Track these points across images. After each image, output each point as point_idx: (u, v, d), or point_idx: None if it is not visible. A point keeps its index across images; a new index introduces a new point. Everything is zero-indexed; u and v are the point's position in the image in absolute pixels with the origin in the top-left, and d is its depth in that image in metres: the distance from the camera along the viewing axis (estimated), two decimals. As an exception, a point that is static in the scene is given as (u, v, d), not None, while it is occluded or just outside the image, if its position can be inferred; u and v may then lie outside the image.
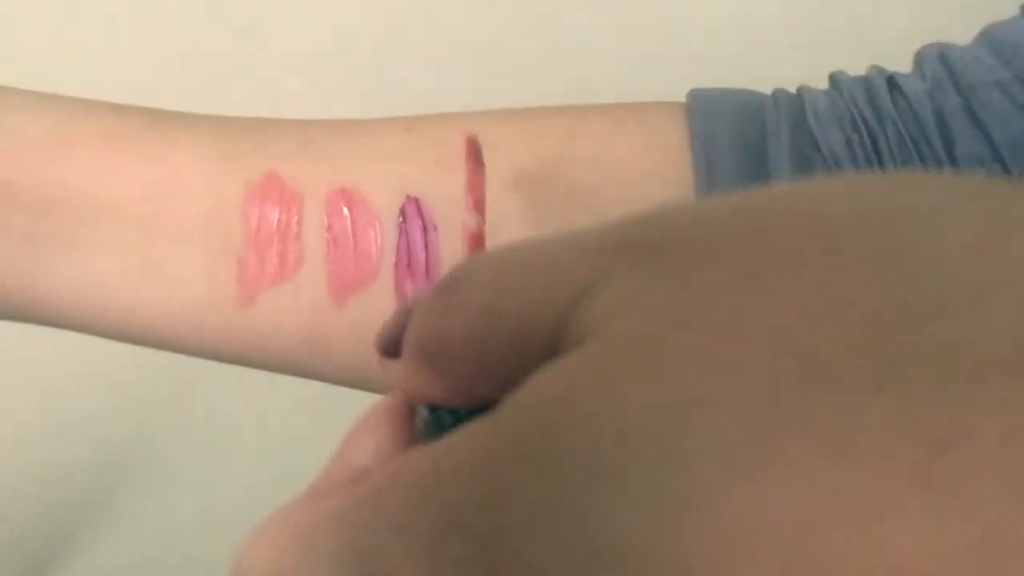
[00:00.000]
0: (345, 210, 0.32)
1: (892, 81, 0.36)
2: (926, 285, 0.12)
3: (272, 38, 0.73)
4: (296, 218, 0.32)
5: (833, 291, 0.12)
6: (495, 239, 0.33)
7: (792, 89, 0.38)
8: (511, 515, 0.13)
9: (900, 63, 0.38)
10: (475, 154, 0.26)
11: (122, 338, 0.34)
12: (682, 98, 0.37)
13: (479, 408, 0.15)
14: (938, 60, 0.36)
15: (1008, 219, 0.13)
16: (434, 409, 0.18)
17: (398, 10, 0.73)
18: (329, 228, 0.32)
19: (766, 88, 0.38)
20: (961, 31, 0.38)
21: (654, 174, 0.34)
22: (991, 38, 0.36)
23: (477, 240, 0.25)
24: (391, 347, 0.19)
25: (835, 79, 0.38)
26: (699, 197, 0.14)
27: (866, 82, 0.37)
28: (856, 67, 0.38)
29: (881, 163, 0.34)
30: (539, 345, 0.14)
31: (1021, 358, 0.11)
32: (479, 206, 0.25)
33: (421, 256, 0.32)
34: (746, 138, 0.35)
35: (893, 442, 0.10)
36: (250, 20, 0.72)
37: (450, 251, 0.33)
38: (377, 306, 0.33)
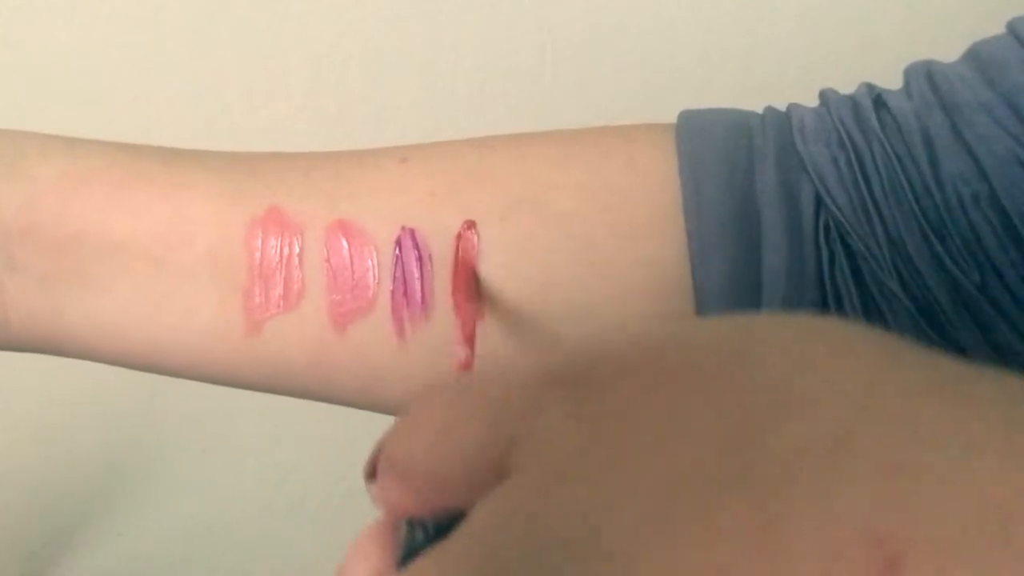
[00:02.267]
0: (344, 242, 0.34)
1: (879, 100, 0.37)
2: (761, 406, 0.15)
3: (273, 38, 0.73)
4: (298, 250, 0.34)
5: (695, 415, 0.15)
6: (487, 265, 0.34)
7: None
8: None
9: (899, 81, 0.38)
10: (468, 291, 0.29)
11: (135, 367, 0.35)
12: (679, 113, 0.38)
13: (451, 520, 0.18)
14: (924, 79, 0.36)
15: (823, 352, 0.16)
16: (411, 524, 0.20)
17: (399, 12, 0.73)
18: (329, 259, 0.34)
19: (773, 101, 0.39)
20: (960, 42, 0.38)
21: (639, 198, 0.35)
22: (977, 57, 0.36)
23: (467, 371, 0.28)
24: (373, 470, 0.21)
25: (824, 96, 0.38)
26: (615, 332, 0.18)
27: (853, 100, 0.37)
28: (857, 81, 0.39)
29: (867, 181, 0.35)
30: (487, 466, 0.18)
31: (829, 458, 0.14)
32: (469, 341, 0.28)
33: (417, 285, 0.33)
34: (733, 159, 0.36)
35: (746, 531, 0.14)
36: (250, 20, 0.73)
37: (444, 279, 0.34)
38: (377, 333, 0.34)
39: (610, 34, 0.74)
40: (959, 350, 0.34)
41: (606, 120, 0.75)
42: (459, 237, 0.33)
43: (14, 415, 0.75)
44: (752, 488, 0.14)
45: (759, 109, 0.39)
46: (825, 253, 0.35)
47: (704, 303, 0.35)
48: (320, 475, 0.76)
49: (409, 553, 0.20)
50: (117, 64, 0.73)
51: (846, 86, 0.39)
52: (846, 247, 0.35)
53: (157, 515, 0.76)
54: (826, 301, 0.35)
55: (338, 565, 0.22)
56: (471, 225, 0.33)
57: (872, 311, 0.35)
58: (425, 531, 0.20)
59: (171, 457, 0.78)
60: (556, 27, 0.74)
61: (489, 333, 0.34)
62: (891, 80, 0.38)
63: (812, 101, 0.39)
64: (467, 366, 0.28)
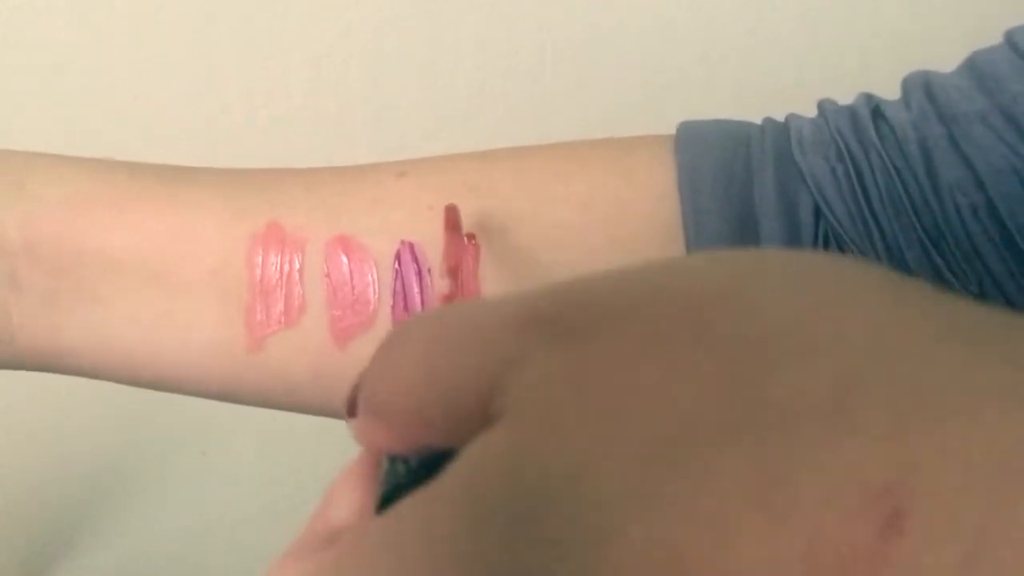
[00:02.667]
0: (344, 257, 0.34)
1: (877, 110, 0.37)
2: (761, 353, 0.14)
3: (273, 37, 0.73)
4: (298, 266, 0.34)
5: (692, 362, 0.15)
6: (489, 280, 0.34)
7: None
8: (451, 571, 0.15)
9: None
10: (452, 224, 0.28)
11: (137, 384, 0.36)
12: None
13: (433, 456, 0.18)
14: (922, 89, 0.36)
15: (825, 295, 0.15)
16: (393, 460, 0.20)
17: (399, 13, 0.73)
18: (329, 275, 0.34)
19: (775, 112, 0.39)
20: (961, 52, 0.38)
21: (638, 209, 0.35)
22: (975, 67, 0.36)
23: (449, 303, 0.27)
24: (354, 406, 0.20)
25: (822, 107, 0.38)
26: (603, 272, 0.17)
27: (851, 111, 0.37)
28: (856, 83, 0.39)
29: (865, 192, 0.35)
30: (470, 407, 0.17)
31: (831, 407, 0.13)
32: (452, 272, 0.27)
33: (417, 299, 0.34)
34: (731, 170, 0.36)
35: (743, 480, 0.13)
36: (250, 20, 0.73)
37: (444, 292, 0.34)
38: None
39: (610, 34, 0.74)
40: None
41: (606, 120, 0.75)
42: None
43: (14, 415, 0.75)
44: (750, 437, 0.13)
45: (758, 110, 0.39)
46: None
47: None
48: (320, 476, 0.76)
49: (392, 489, 0.20)
50: (117, 64, 0.73)
51: (845, 87, 0.39)
52: None
53: (157, 515, 0.76)
54: None
55: (319, 500, 0.21)
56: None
57: None
58: (407, 467, 0.19)
59: (171, 457, 0.78)
60: (556, 27, 0.74)
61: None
62: (890, 84, 0.38)
63: (810, 101, 0.39)
64: (450, 299, 0.27)
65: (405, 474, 0.19)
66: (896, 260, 0.34)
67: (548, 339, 0.16)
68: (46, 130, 0.72)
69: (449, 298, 0.28)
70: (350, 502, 0.21)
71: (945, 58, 0.38)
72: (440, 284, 0.28)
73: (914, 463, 0.13)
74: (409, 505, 0.17)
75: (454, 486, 0.16)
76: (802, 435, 0.13)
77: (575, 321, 0.16)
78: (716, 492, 0.13)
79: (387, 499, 0.19)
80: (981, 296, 0.34)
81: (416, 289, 0.34)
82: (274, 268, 0.34)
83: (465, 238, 0.32)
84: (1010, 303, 0.34)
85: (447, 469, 0.16)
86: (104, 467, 0.78)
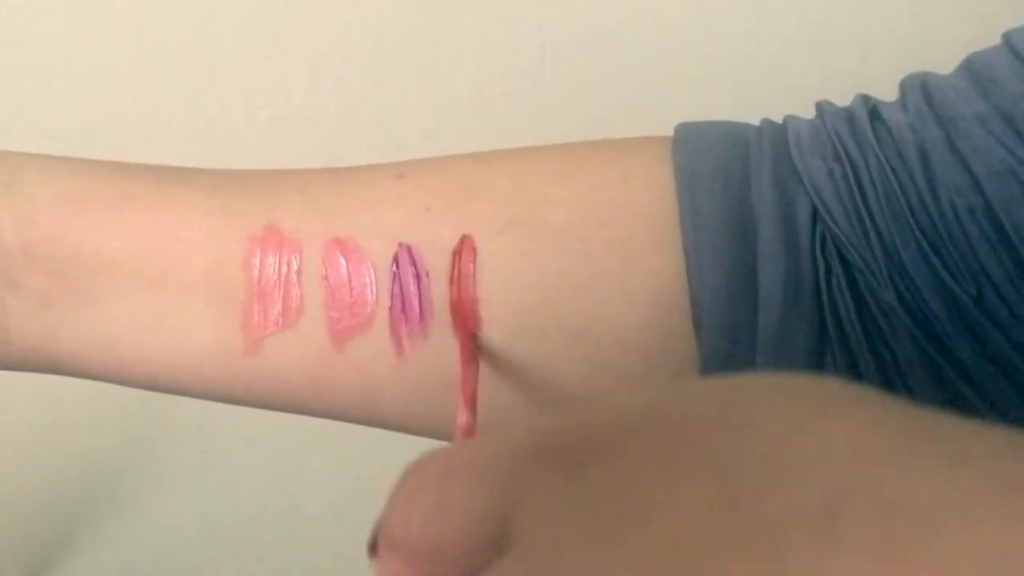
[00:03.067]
0: (341, 259, 0.34)
1: (875, 112, 0.36)
2: (755, 472, 0.15)
3: (273, 37, 0.73)
4: (295, 268, 0.34)
5: (686, 485, 0.16)
6: (486, 282, 0.34)
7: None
8: None
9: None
10: (469, 354, 0.29)
11: (135, 386, 0.36)
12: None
13: None
14: (920, 91, 0.36)
15: (812, 414, 0.16)
16: None
17: (399, 12, 0.73)
18: (327, 277, 0.34)
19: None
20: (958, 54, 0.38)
21: (635, 211, 0.35)
22: (972, 69, 0.36)
23: (468, 433, 0.28)
24: (375, 546, 0.21)
25: (820, 108, 0.38)
26: (605, 401, 0.19)
27: (849, 113, 0.37)
28: (855, 82, 0.39)
29: (863, 194, 0.35)
30: (483, 541, 0.18)
31: (822, 524, 0.14)
32: (470, 404, 0.28)
33: (415, 301, 0.34)
34: (729, 172, 0.36)
35: None
36: (250, 19, 0.73)
37: (441, 294, 0.34)
38: (375, 349, 0.34)
39: (610, 34, 0.74)
40: (956, 363, 0.34)
41: (606, 120, 0.75)
42: (454, 282, 0.34)
43: (14, 415, 0.75)
44: (746, 557, 0.14)
45: (758, 111, 0.39)
46: (822, 266, 0.35)
47: (701, 317, 0.35)
48: (321, 476, 0.77)
49: None
50: (117, 64, 0.73)
51: (844, 88, 0.39)
52: (843, 260, 0.35)
53: (157, 515, 0.76)
54: (823, 314, 0.35)
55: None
56: (470, 253, 0.33)
57: (869, 324, 0.35)
58: None
59: (171, 457, 0.78)
60: (556, 27, 0.74)
61: (487, 340, 0.34)
62: (889, 85, 0.38)
63: (810, 102, 0.39)
64: (468, 430, 0.28)
65: None
66: (893, 262, 0.34)
67: (552, 472, 0.17)
68: (46, 130, 0.72)
69: (467, 429, 0.29)
70: None
71: (944, 59, 0.38)
72: (459, 416, 0.29)
73: None
74: None
75: None
76: (797, 551, 0.14)
77: (577, 453, 0.17)
78: None
79: None
80: (979, 299, 0.34)
81: (414, 291, 0.34)
82: (271, 270, 0.34)
83: (479, 367, 0.33)
84: (1008, 306, 0.34)
85: None
86: (104, 467, 0.78)
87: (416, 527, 0.19)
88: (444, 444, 0.21)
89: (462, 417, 0.29)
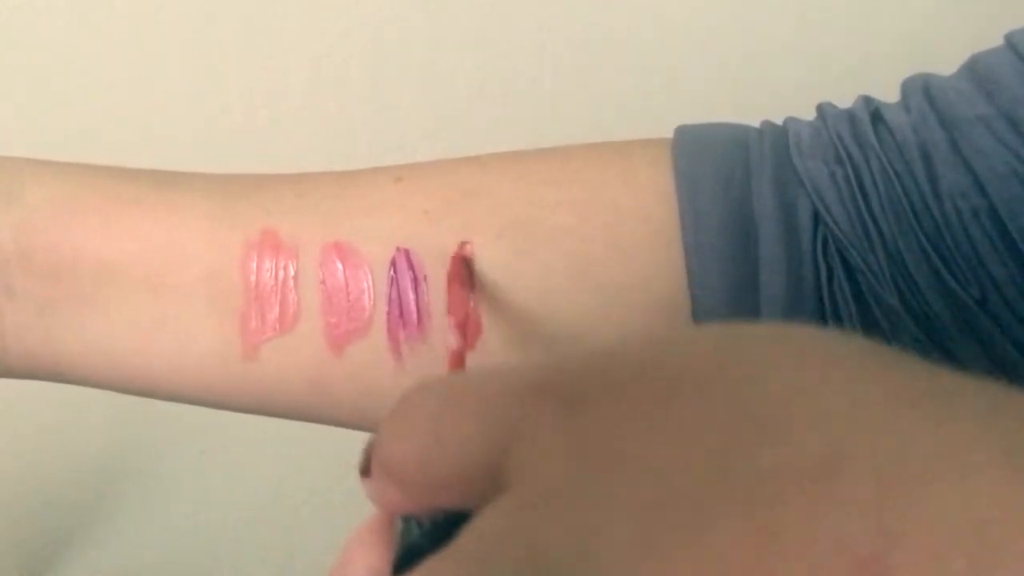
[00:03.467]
0: (338, 263, 0.34)
1: (877, 114, 0.36)
2: (753, 425, 0.15)
3: (273, 37, 0.73)
4: (293, 273, 0.34)
5: (685, 433, 0.16)
6: (488, 287, 0.34)
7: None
8: None
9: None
10: (459, 276, 0.28)
11: (132, 392, 0.35)
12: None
13: (448, 516, 0.19)
14: (922, 93, 0.36)
15: (812, 367, 0.16)
16: (407, 519, 0.20)
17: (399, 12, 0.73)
18: (324, 281, 0.34)
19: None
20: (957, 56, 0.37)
21: (635, 214, 0.35)
22: (975, 70, 0.36)
23: (457, 358, 0.27)
24: (367, 467, 0.21)
25: (822, 111, 0.38)
26: (606, 344, 0.19)
27: (850, 115, 0.37)
28: (857, 84, 0.38)
29: (865, 196, 0.35)
30: (479, 475, 0.18)
31: (819, 478, 0.14)
32: (460, 326, 0.27)
33: (412, 306, 0.33)
34: (730, 174, 0.35)
35: (738, 544, 0.14)
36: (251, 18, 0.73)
37: (439, 299, 0.34)
38: (373, 354, 0.34)
39: (610, 35, 0.74)
40: (959, 365, 0.34)
41: (606, 120, 0.75)
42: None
43: (14, 415, 0.75)
44: (743, 508, 0.14)
45: (758, 112, 0.39)
46: (823, 269, 0.35)
47: (702, 319, 0.35)
48: (320, 476, 0.77)
49: (406, 550, 0.20)
50: (117, 64, 0.73)
51: (846, 90, 0.39)
52: (844, 263, 0.35)
53: (157, 515, 0.76)
54: (825, 317, 0.35)
55: (336, 559, 0.22)
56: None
57: (871, 327, 0.35)
58: (421, 528, 0.20)
59: (171, 457, 0.78)
60: (556, 27, 0.74)
61: (488, 344, 0.34)
62: (891, 87, 0.38)
63: (811, 104, 0.39)
64: (458, 354, 0.28)
65: (420, 535, 0.20)
66: (896, 264, 0.34)
67: (551, 410, 0.17)
68: (46, 130, 0.72)
69: (457, 353, 0.28)
70: (366, 563, 0.21)
71: (946, 60, 0.38)
72: (448, 339, 0.28)
73: (897, 533, 0.13)
74: (423, 571, 0.17)
75: (466, 555, 0.17)
76: (794, 504, 0.14)
77: (576, 392, 0.17)
78: (713, 555, 0.14)
79: (403, 559, 0.20)
80: (983, 302, 0.34)
81: (411, 296, 0.34)
82: (269, 275, 0.34)
83: (471, 292, 0.33)
84: (1011, 308, 0.34)
85: (459, 535, 0.17)
86: (104, 467, 0.78)
87: (412, 454, 0.19)
88: (442, 374, 0.21)
89: (451, 340, 0.29)
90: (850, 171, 0.35)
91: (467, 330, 0.29)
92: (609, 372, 0.17)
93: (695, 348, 0.18)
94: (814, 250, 0.35)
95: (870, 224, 0.34)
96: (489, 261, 0.34)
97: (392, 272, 0.34)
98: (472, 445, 0.18)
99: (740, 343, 0.18)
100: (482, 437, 0.18)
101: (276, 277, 0.33)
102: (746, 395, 0.16)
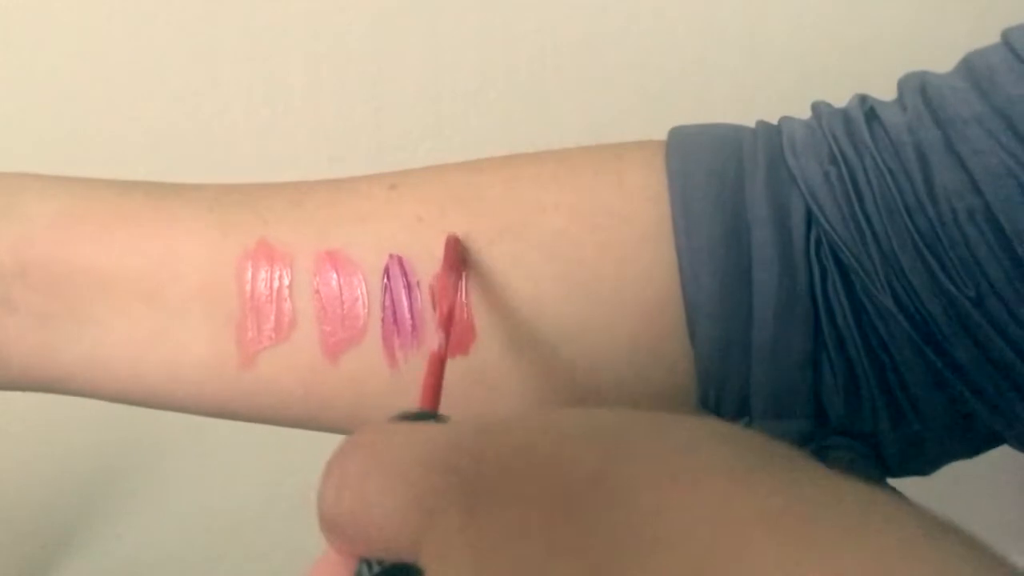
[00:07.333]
0: (332, 272, 0.34)
1: (872, 112, 0.36)
2: (623, 542, 0.16)
3: (273, 37, 0.73)
4: (288, 282, 0.34)
5: (568, 546, 0.16)
6: (482, 292, 0.34)
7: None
8: None
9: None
10: (450, 262, 0.28)
11: (131, 402, 0.36)
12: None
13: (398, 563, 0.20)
14: (918, 91, 0.36)
15: (685, 487, 0.17)
16: (363, 559, 0.21)
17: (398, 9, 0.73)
18: (319, 290, 0.34)
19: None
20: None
21: (629, 217, 0.35)
22: (970, 68, 0.35)
23: (438, 360, 0.27)
24: None
25: (816, 109, 0.38)
26: (520, 419, 0.20)
27: (845, 113, 0.36)
28: (854, 82, 0.38)
29: (859, 195, 0.34)
30: (404, 546, 0.19)
31: None
32: (444, 324, 0.27)
33: (407, 313, 0.34)
34: (723, 175, 0.35)
35: None
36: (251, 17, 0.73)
37: (432, 305, 0.34)
38: (368, 361, 0.34)
39: (610, 35, 0.74)
40: (955, 366, 0.34)
41: (606, 120, 0.75)
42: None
43: (14, 415, 0.75)
44: None
45: (756, 112, 0.39)
46: (817, 269, 0.35)
47: (695, 320, 0.35)
48: (320, 476, 0.76)
49: None
50: (117, 64, 0.73)
51: (843, 88, 0.39)
52: (838, 263, 0.35)
53: (157, 516, 0.77)
54: (818, 317, 0.35)
55: None
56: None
57: (866, 328, 0.35)
58: (371, 570, 0.21)
59: (171, 457, 0.78)
60: (556, 27, 0.74)
61: (482, 349, 0.34)
62: (887, 85, 0.38)
63: (808, 103, 0.39)
64: (438, 357, 0.28)
65: (377, 574, 0.21)
66: (890, 264, 0.34)
67: (456, 509, 0.18)
68: (46, 131, 0.72)
69: (438, 355, 0.28)
70: None
71: (943, 57, 0.37)
72: (434, 339, 0.29)
73: None
74: None
75: None
76: None
77: (478, 490, 0.18)
78: None
79: None
80: (978, 302, 0.33)
81: (405, 303, 0.34)
82: (264, 284, 0.34)
83: (462, 279, 0.33)
84: (1007, 308, 0.33)
85: None
86: (104, 467, 0.78)
87: (345, 514, 0.20)
88: (379, 422, 0.22)
89: (434, 340, 0.29)
90: (844, 170, 0.35)
91: (452, 325, 0.29)
92: (506, 469, 0.18)
93: (582, 447, 0.18)
94: (807, 250, 0.35)
95: (864, 224, 0.34)
96: (482, 265, 0.34)
97: (386, 279, 0.34)
98: (394, 521, 0.19)
99: (625, 449, 0.18)
100: (401, 517, 0.19)
101: (271, 286, 0.34)
102: (617, 516, 0.16)
